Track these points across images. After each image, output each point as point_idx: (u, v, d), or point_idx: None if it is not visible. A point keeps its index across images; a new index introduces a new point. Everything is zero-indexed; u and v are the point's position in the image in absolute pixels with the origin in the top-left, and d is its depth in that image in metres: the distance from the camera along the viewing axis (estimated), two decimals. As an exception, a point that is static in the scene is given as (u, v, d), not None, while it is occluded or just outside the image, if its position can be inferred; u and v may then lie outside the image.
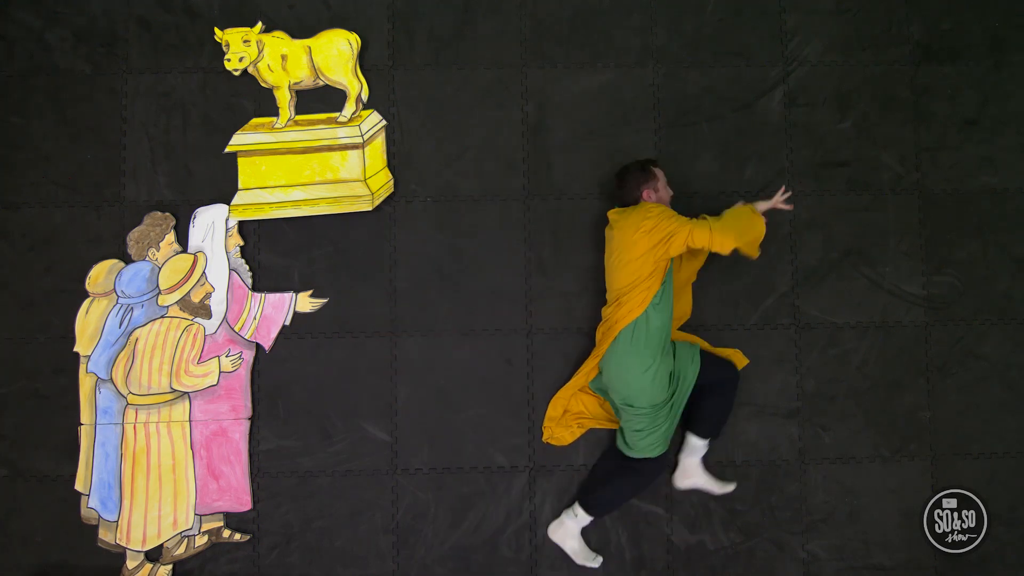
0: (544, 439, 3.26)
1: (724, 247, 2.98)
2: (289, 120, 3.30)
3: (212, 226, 3.26)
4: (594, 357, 3.13)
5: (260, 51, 3.26)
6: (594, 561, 3.20)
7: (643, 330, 2.97)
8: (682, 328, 3.29)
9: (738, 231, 2.99)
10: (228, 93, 3.34)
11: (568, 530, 3.18)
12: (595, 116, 3.38)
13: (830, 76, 3.43)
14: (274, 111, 3.32)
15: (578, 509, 3.16)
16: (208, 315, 3.23)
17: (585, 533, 3.20)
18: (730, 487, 3.23)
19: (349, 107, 3.31)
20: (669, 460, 3.18)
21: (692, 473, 3.20)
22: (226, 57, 3.25)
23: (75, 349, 3.22)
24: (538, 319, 3.31)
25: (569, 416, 3.24)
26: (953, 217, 3.41)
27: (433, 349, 3.30)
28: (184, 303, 3.22)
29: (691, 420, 3.17)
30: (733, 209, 3.09)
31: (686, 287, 3.26)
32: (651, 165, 3.14)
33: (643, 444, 3.03)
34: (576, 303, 3.31)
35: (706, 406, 3.13)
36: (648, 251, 2.95)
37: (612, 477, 3.14)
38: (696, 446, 3.18)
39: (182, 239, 3.27)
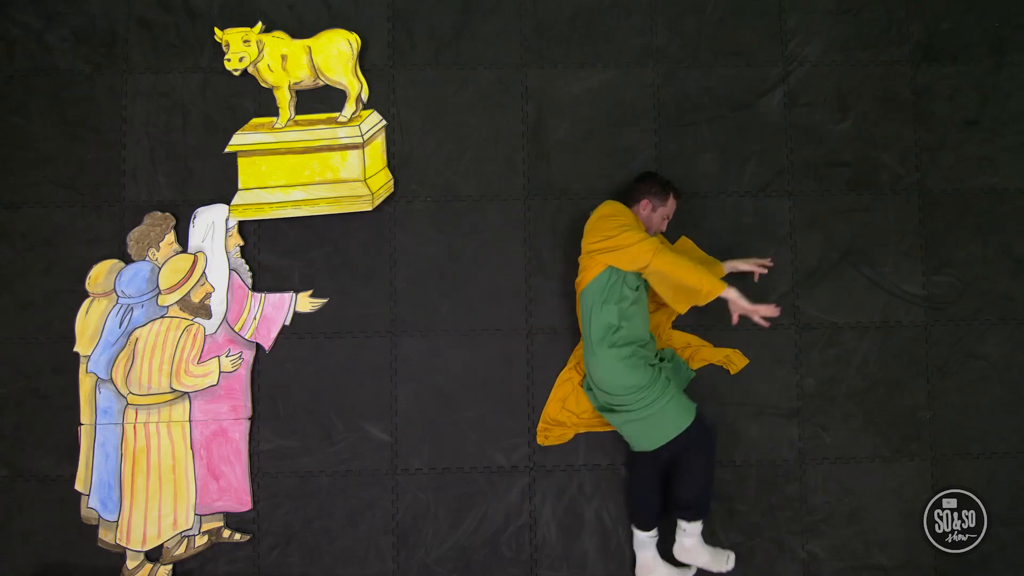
0: (539, 440, 3.25)
1: (656, 269, 2.86)
2: (289, 120, 3.30)
3: (212, 226, 3.26)
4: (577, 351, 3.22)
5: (260, 51, 3.26)
6: (728, 561, 3.08)
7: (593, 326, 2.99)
8: (682, 328, 3.29)
9: (677, 266, 2.87)
10: (228, 93, 3.34)
11: (689, 548, 3.04)
12: (595, 116, 3.38)
13: (830, 76, 3.43)
14: (274, 111, 3.32)
15: (682, 523, 3.03)
16: (208, 315, 3.23)
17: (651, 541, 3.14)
18: None
19: (349, 107, 3.31)
20: (711, 419, 3.07)
21: (653, 569, 3.09)
22: (226, 57, 3.25)
23: (75, 349, 3.22)
24: (538, 319, 3.31)
25: (565, 412, 3.22)
26: (953, 217, 3.41)
27: (433, 349, 3.30)
28: (184, 303, 3.22)
29: (673, 503, 3.03)
30: (690, 260, 2.93)
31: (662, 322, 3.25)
32: (671, 190, 3.13)
33: (667, 416, 2.91)
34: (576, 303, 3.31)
35: (684, 476, 2.97)
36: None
37: (680, 472, 2.99)
38: (643, 540, 3.08)
39: (182, 239, 3.27)
